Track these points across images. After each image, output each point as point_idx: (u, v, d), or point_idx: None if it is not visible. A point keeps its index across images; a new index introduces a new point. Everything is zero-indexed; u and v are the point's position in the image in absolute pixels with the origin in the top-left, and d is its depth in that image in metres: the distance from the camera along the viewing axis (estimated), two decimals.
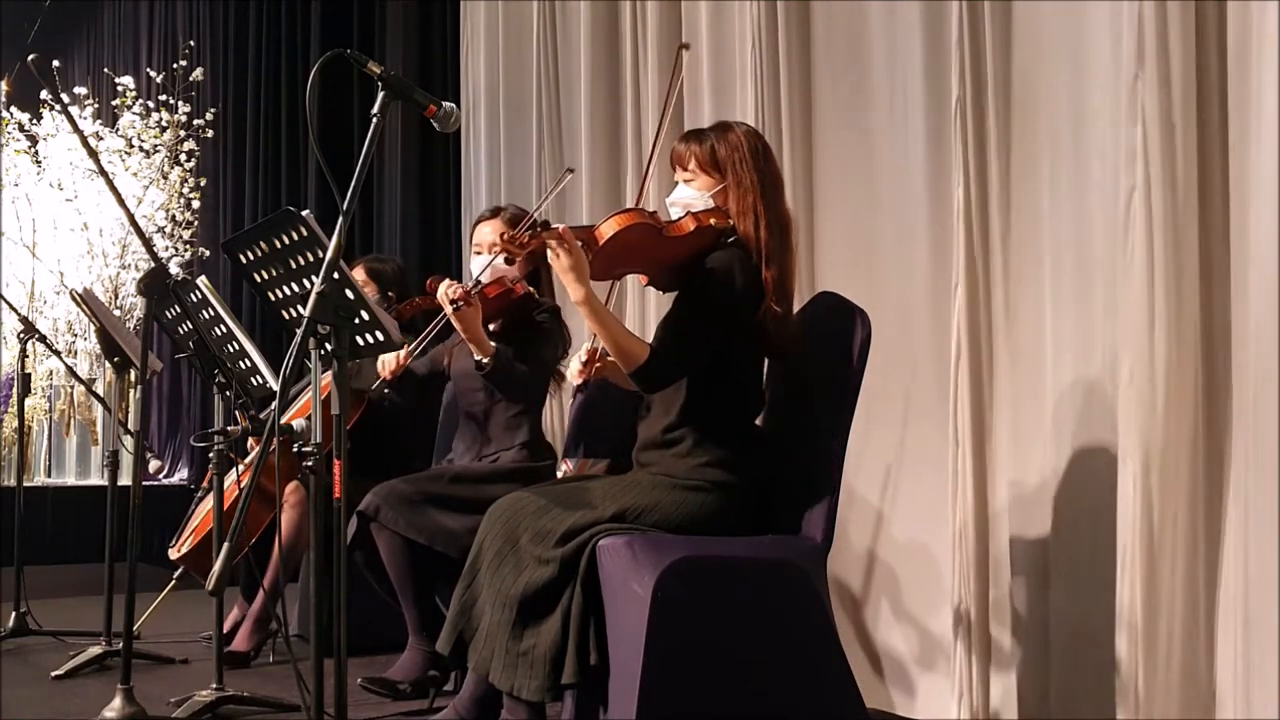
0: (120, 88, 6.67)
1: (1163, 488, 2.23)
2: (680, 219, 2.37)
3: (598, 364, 2.57)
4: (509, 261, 3.03)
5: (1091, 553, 2.49)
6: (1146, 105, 2.24)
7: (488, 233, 3.18)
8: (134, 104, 6.63)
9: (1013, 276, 2.69)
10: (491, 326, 3.09)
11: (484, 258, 3.15)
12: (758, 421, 2.50)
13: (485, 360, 2.92)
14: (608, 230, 2.31)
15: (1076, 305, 2.56)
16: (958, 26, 2.73)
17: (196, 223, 6.81)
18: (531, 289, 3.15)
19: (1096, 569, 2.48)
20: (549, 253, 2.29)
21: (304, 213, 2.29)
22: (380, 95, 2.05)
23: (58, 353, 4.69)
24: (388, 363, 3.16)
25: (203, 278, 3.21)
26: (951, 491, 2.70)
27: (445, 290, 2.90)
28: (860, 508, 3.06)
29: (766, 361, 2.51)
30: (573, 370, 2.64)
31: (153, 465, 5.13)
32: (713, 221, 2.36)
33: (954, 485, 2.69)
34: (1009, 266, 2.69)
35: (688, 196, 2.42)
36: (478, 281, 3.01)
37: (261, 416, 2.94)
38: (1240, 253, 2.17)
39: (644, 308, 3.78)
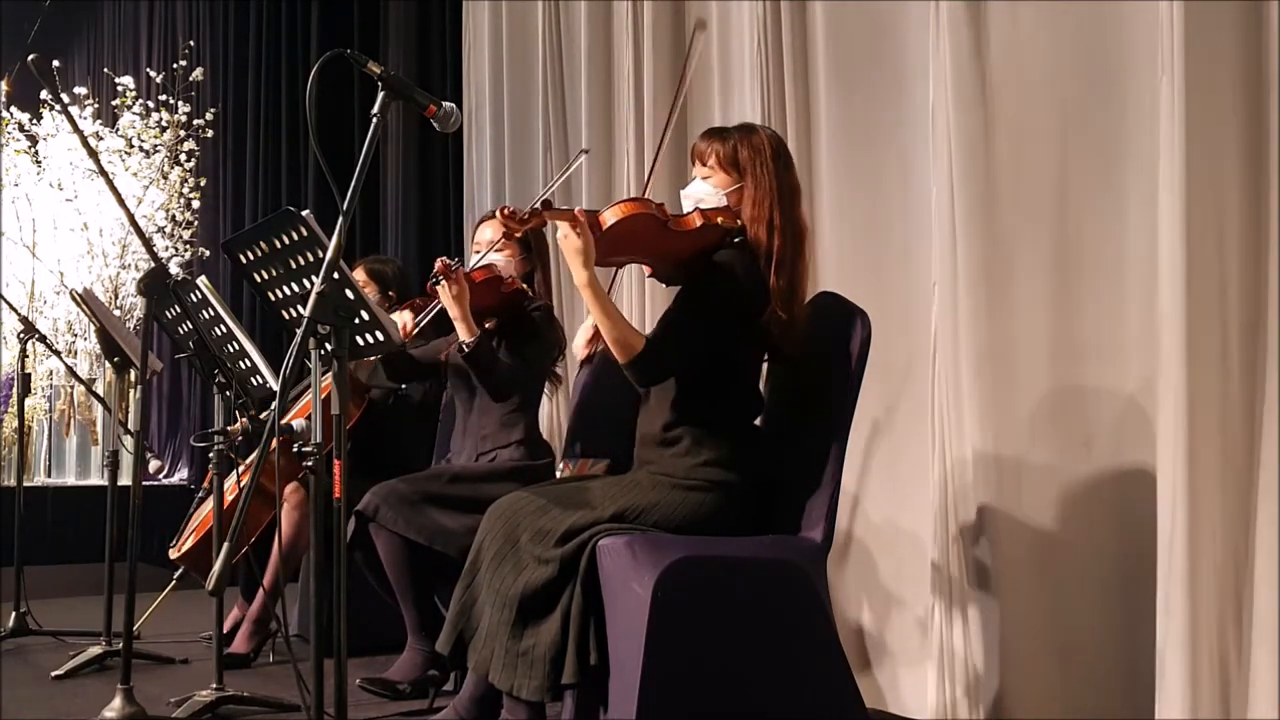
0: (120, 88, 6.67)
1: (1165, 484, 2.22)
2: (688, 214, 2.38)
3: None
4: (507, 236, 3.04)
5: (1086, 548, 2.50)
6: (1165, 107, 2.23)
7: (488, 234, 3.19)
8: (134, 104, 6.63)
9: (1017, 273, 2.68)
10: (487, 325, 3.10)
11: (481, 254, 3.16)
12: (757, 421, 2.50)
13: (468, 341, 2.93)
14: (611, 217, 2.32)
15: (1078, 303, 2.56)
16: (943, 26, 2.73)
17: (196, 223, 6.81)
18: (524, 286, 3.15)
19: (1091, 564, 2.48)
20: (559, 231, 2.31)
21: (304, 213, 2.29)
22: (380, 95, 2.05)
23: (58, 353, 4.69)
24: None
25: (203, 278, 3.21)
26: (940, 490, 2.69)
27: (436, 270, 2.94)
28: (846, 506, 3.05)
29: (765, 362, 2.51)
30: (578, 344, 2.66)
31: (153, 465, 5.13)
32: (720, 220, 2.36)
33: (942, 484, 2.69)
34: (1012, 264, 2.68)
35: (702, 191, 2.42)
36: (460, 260, 3.02)
37: (262, 417, 2.95)
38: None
39: (646, 299, 3.77)
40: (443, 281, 2.91)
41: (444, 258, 2.96)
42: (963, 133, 2.68)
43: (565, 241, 2.29)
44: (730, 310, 2.32)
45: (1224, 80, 2.17)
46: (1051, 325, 2.58)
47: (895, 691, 2.92)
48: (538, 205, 2.30)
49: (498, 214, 2.38)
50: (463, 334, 2.95)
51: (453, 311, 2.94)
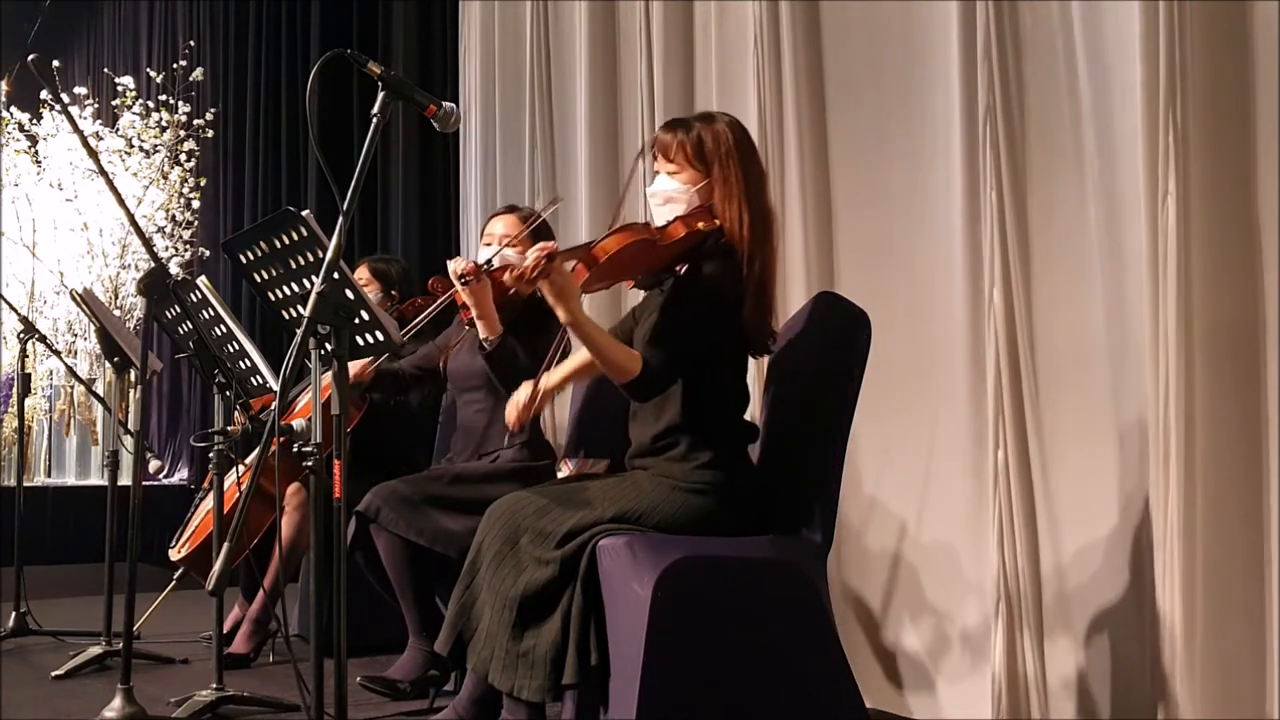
0: (120, 88, 6.68)
1: (1200, 485, 2.21)
2: (669, 225, 2.34)
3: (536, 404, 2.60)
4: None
5: (1129, 558, 2.49)
6: (1177, 109, 2.22)
7: (500, 227, 3.17)
8: (134, 104, 6.63)
9: (1031, 279, 2.67)
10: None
11: (493, 248, 3.14)
12: (754, 420, 2.50)
13: (490, 339, 2.88)
14: (609, 248, 2.27)
15: (1088, 307, 2.55)
16: (984, 27, 2.71)
17: (196, 223, 6.82)
18: None
19: (1135, 575, 2.47)
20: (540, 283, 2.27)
21: (304, 213, 2.29)
22: (380, 95, 2.05)
23: (58, 353, 4.69)
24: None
25: (203, 278, 3.21)
26: (991, 497, 2.67)
27: (454, 266, 2.88)
28: (882, 514, 3.03)
29: (762, 359, 2.51)
30: (510, 418, 2.62)
31: (153, 465, 5.13)
32: (700, 225, 2.34)
33: (993, 490, 2.66)
34: (1031, 268, 2.67)
35: (670, 189, 2.39)
36: (489, 262, 2.99)
37: (261, 416, 2.94)
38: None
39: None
40: (470, 283, 2.86)
41: (471, 261, 2.93)
42: (1006, 132, 2.67)
43: (546, 288, 2.26)
44: (717, 312, 2.31)
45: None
46: (1097, 324, 2.55)
47: (945, 703, 2.88)
48: (485, 267, 2.39)
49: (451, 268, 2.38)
50: (483, 331, 2.90)
51: (478, 312, 2.88)
